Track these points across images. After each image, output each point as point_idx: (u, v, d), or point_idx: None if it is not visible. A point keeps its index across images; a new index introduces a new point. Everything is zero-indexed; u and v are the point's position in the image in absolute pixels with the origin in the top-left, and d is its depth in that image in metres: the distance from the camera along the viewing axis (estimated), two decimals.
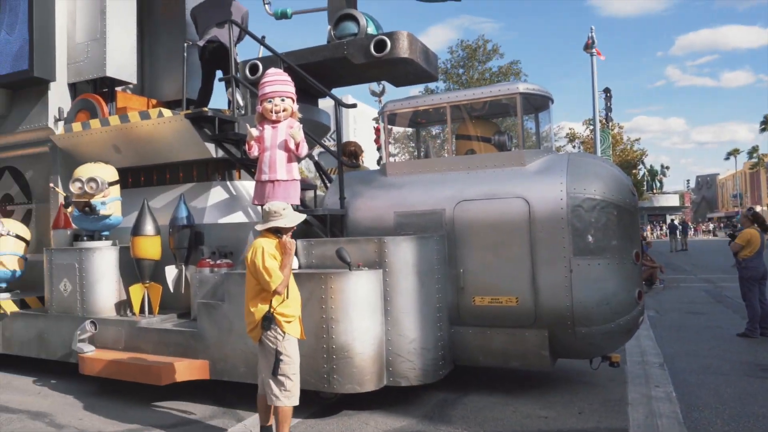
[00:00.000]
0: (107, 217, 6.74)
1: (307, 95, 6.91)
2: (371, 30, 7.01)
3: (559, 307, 5.37)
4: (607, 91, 27.33)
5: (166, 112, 6.91)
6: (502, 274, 5.56)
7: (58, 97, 7.74)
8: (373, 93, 9.93)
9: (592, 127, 22.98)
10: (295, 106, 5.59)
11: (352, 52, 6.76)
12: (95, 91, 7.84)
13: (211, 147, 6.82)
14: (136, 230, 6.42)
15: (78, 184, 6.64)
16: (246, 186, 7.08)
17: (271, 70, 5.71)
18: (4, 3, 7.72)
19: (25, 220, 8.20)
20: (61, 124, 7.69)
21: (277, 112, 5.47)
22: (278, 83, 5.49)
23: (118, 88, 8.02)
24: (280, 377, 4.19)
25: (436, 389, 5.74)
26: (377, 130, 11.69)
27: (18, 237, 7.56)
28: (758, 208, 26.63)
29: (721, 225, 72.75)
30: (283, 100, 5.47)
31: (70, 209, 6.88)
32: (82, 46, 7.66)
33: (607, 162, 6.12)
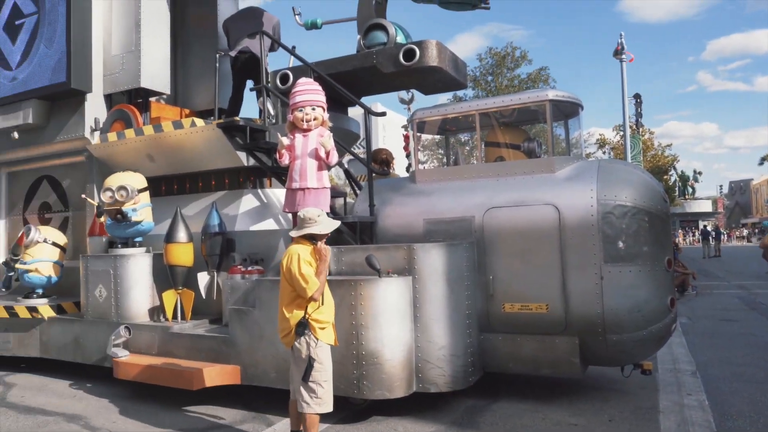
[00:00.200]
0: (139, 223, 6.87)
1: (336, 104, 6.97)
2: (400, 39, 7.06)
3: (590, 314, 5.34)
4: (637, 96, 27.09)
5: (199, 122, 7.03)
6: (532, 281, 5.54)
7: (95, 107, 7.93)
8: (402, 101, 9.99)
9: (622, 133, 22.72)
10: (326, 115, 5.63)
11: (382, 61, 6.82)
12: (130, 101, 8.02)
13: (242, 155, 6.93)
14: (170, 237, 6.53)
15: (109, 193, 6.79)
16: (277, 194, 7.17)
17: (303, 80, 5.77)
18: (43, 18, 7.95)
19: (62, 227, 8.39)
20: (97, 134, 7.87)
21: (308, 121, 5.52)
22: (309, 92, 5.54)
23: (152, 99, 8.19)
24: (311, 384, 4.18)
25: (466, 396, 5.73)
26: (406, 138, 11.76)
27: (54, 244, 7.73)
28: None
29: (756, 231, 71.19)
30: (314, 109, 5.51)
31: (102, 218, 7.04)
32: (117, 58, 7.85)
33: (638, 168, 6.07)
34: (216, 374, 5.74)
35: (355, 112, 7.93)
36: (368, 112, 6.57)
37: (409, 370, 5.17)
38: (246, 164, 6.98)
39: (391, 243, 5.98)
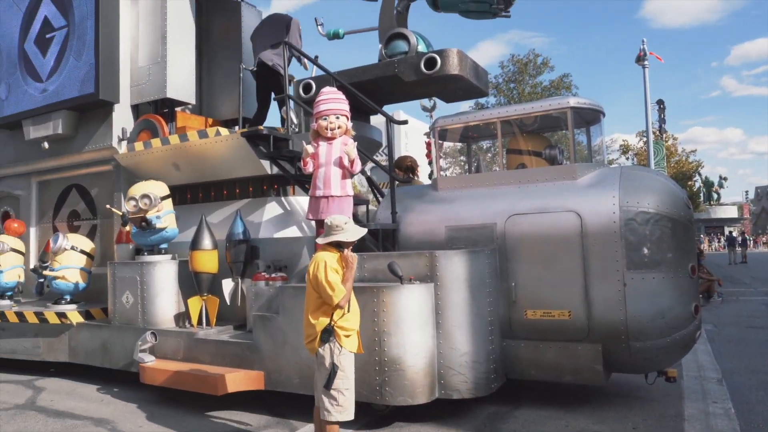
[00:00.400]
0: (163, 229, 6.99)
1: (359, 112, 7.04)
2: (421, 48, 7.12)
3: (613, 321, 5.32)
4: (660, 102, 26.84)
5: (223, 131, 7.15)
6: (555, 287, 5.54)
7: (122, 118, 8.09)
8: (424, 108, 10.05)
9: (645, 139, 22.54)
10: (349, 124, 5.68)
11: (403, 70, 6.88)
12: (156, 111, 8.16)
13: (266, 164, 7.03)
14: (195, 245, 6.62)
15: (133, 203, 6.92)
16: (300, 201, 7.23)
17: (326, 89, 5.84)
18: (73, 31, 8.14)
19: (91, 235, 8.56)
20: (124, 143, 8.02)
21: (332, 129, 5.57)
22: (333, 101, 5.60)
23: (178, 109, 8.32)
24: (332, 392, 4.14)
25: (488, 402, 5.73)
26: (428, 145, 11.79)
27: (82, 251, 7.87)
28: None
29: None
30: (337, 117, 5.57)
31: (128, 227, 7.17)
32: (144, 70, 8.01)
33: (660, 175, 6.05)
34: (240, 380, 5.80)
35: (377, 120, 7.99)
36: (390, 120, 6.63)
37: (431, 376, 5.18)
38: (270, 172, 7.08)
39: (413, 250, 6.02)
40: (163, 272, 6.87)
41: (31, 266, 8.78)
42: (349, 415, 4.22)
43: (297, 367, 5.55)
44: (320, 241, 4.37)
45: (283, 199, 7.29)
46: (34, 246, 9.19)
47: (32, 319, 7.66)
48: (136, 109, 8.24)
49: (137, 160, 7.88)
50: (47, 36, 8.48)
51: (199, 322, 6.66)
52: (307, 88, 7.39)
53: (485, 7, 7.23)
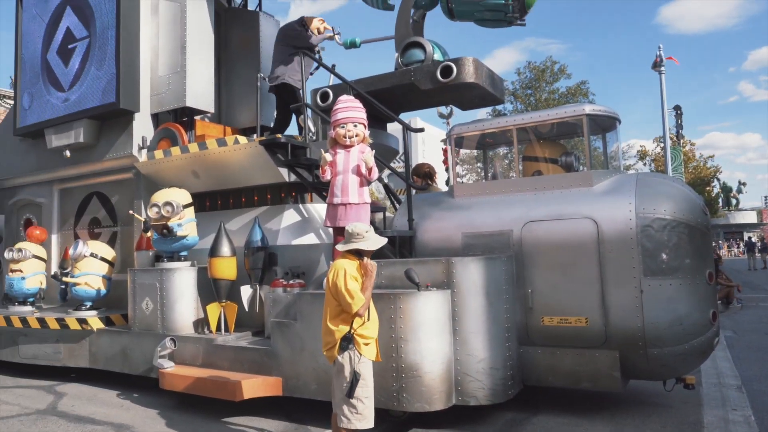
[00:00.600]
0: (184, 237, 7.06)
1: (376, 120, 7.08)
2: (437, 56, 7.16)
3: (630, 327, 5.31)
4: (677, 108, 26.71)
5: (242, 139, 7.23)
6: (571, 294, 5.55)
7: (142, 126, 8.18)
8: (441, 115, 10.06)
9: (662, 145, 22.41)
10: (367, 132, 5.73)
11: (419, 78, 6.93)
12: (176, 120, 8.27)
13: (284, 171, 7.10)
14: (213, 252, 6.68)
15: (155, 209, 6.98)
16: (318, 209, 7.30)
17: (344, 97, 5.89)
18: (94, 41, 8.28)
19: (111, 242, 8.64)
20: (144, 151, 8.12)
21: (350, 137, 5.62)
22: (351, 110, 5.65)
23: (197, 117, 8.41)
24: (352, 400, 4.13)
25: (505, 409, 5.72)
26: (445, 152, 11.82)
27: (102, 258, 7.94)
28: None
29: None
30: (355, 125, 5.62)
31: (149, 233, 7.25)
32: (164, 79, 8.12)
33: (676, 181, 6.04)
34: (258, 386, 5.84)
35: (394, 128, 8.05)
36: (407, 128, 6.68)
37: (448, 382, 5.20)
38: (287, 180, 7.15)
39: (430, 257, 6.04)
40: (183, 279, 6.93)
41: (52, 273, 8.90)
42: (369, 423, 4.21)
43: (315, 373, 5.59)
44: (340, 248, 4.34)
45: (300, 206, 7.35)
46: (55, 253, 9.30)
47: (53, 325, 7.75)
48: (156, 118, 8.33)
49: (157, 168, 7.99)
50: (69, 46, 8.64)
51: (218, 329, 6.70)
52: (325, 96, 7.47)
53: (500, 15, 7.26)
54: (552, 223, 5.71)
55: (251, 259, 6.65)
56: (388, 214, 7.57)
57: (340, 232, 5.53)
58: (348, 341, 4.14)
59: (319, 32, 7.78)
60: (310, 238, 6.95)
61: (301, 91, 7.32)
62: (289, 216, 7.25)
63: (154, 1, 8.31)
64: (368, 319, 4.24)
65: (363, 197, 5.68)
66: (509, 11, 7.14)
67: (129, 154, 8.16)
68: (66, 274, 7.97)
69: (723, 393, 6.31)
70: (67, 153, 8.65)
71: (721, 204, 58.73)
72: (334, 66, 7.53)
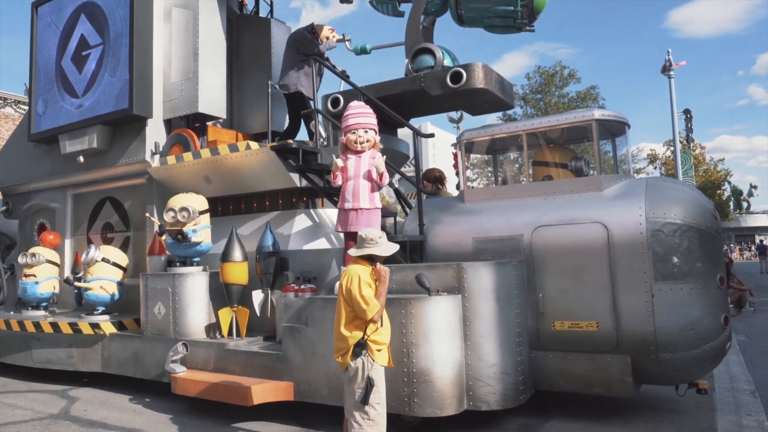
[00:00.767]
0: (198, 243, 7.07)
1: (386, 125, 7.11)
2: (447, 62, 7.19)
3: (642, 332, 5.31)
4: (687, 112, 26.59)
5: (254, 145, 7.27)
6: (582, 299, 5.55)
7: (155, 132, 8.25)
8: (451, 120, 10.11)
9: (672, 148, 22.32)
10: (378, 137, 5.77)
11: (429, 84, 6.95)
12: (188, 126, 8.34)
13: (295, 177, 7.14)
14: (225, 257, 6.70)
15: (171, 214, 7.01)
16: (329, 214, 7.33)
17: (355, 103, 5.92)
18: (108, 48, 8.37)
19: (124, 246, 8.68)
20: (156, 157, 8.19)
21: (360, 143, 5.66)
22: (361, 115, 5.69)
23: (209, 123, 8.48)
24: (365, 406, 4.13)
25: (517, 414, 5.72)
26: (455, 156, 11.85)
27: (114, 263, 7.99)
28: None
29: None
30: (366, 131, 5.66)
31: (164, 237, 7.29)
32: (176, 85, 8.19)
33: (687, 185, 6.03)
34: (270, 390, 5.85)
35: (404, 133, 8.08)
36: (417, 133, 6.70)
37: (459, 387, 5.20)
38: (299, 185, 7.18)
39: (441, 262, 6.05)
40: (195, 284, 6.96)
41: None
42: (381, 429, 4.21)
43: (326, 377, 5.60)
44: (353, 253, 4.34)
45: (312, 211, 7.38)
46: (69, 258, 9.36)
47: (66, 329, 7.80)
48: (169, 124, 8.41)
49: (169, 173, 8.05)
50: (83, 53, 8.73)
51: (230, 333, 6.72)
52: (336, 102, 7.50)
53: (509, 21, 7.28)
54: (562, 228, 5.72)
55: (263, 264, 6.68)
56: (398, 218, 7.58)
57: (351, 237, 5.56)
58: (361, 347, 4.14)
59: (327, 40, 7.85)
60: (321, 243, 6.98)
61: (312, 99, 7.37)
62: (301, 221, 7.28)
63: (167, 9, 8.41)
64: (381, 325, 4.24)
65: (374, 202, 5.71)
66: (518, 17, 7.16)
67: (142, 160, 8.22)
68: (78, 279, 8.02)
69: (736, 398, 6.27)
70: (81, 158, 8.72)
71: (732, 207, 58.41)
72: (344, 71, 7.58)
